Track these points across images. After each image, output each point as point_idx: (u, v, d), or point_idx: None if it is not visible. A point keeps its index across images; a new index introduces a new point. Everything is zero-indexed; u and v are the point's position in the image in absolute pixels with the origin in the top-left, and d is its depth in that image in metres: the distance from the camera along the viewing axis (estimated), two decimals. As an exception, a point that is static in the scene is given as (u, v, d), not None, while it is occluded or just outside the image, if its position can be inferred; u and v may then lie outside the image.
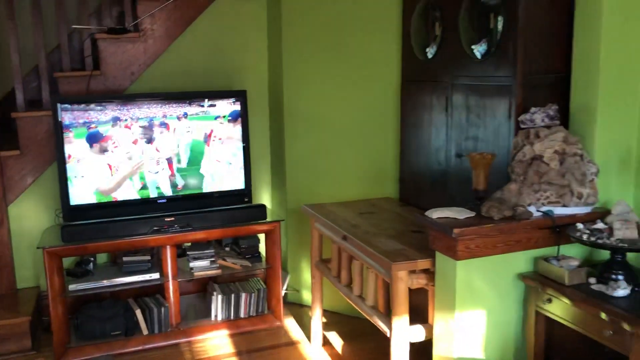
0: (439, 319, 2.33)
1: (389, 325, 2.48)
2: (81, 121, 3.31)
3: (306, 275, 3.95)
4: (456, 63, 2.82)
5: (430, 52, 3.04)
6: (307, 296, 3.97)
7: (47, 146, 3.56)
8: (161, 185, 3.52)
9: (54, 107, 3.27)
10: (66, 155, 3.30)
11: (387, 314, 2.62)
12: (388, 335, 2.49)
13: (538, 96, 2.44)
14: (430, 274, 2.42)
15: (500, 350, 2.31)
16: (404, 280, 2.39)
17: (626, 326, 1.80)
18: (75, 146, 3.31)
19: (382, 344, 3.44)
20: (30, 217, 3.67)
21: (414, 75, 3.20)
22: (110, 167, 3.40)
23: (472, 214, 2.27)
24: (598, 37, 2.27)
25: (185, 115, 3.50)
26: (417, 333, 2.47)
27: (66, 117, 3.28)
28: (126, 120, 3.40)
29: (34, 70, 3.93)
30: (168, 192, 3.53)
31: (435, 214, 2.28)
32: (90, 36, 3.64)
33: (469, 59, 2.72)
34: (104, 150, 3.37)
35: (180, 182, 3.56)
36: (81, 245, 3.21)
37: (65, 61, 3.59)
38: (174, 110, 3.49)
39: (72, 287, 3.26)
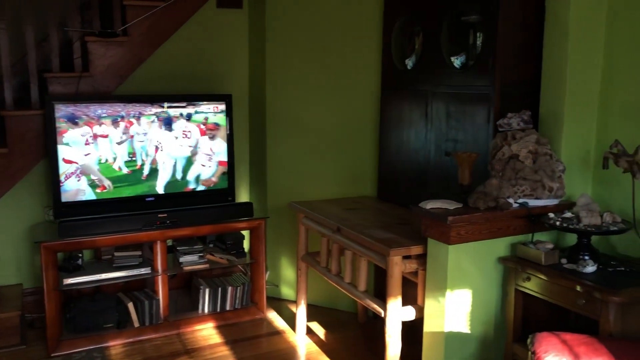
0: (431, 298, 2.63)
1: (382, 306, 2.76)
2: (74, 120, 3.42)
3: (284, 270, 4.17)
4: (435, 73, 3.15)
5: (410, 63, 3.36)
6: (285, 290, 4.19)
7: (35, 144, 3.61)
8: (151, 182, 3.66)
9: (50, 106, 3.36)
10: (59, 153, 3.40)
11: (379, 297, 2.90)
12: (382, 315, 2.76)
13: (512, 103, 2.79)
14: (420, 259, 2.72)
15: (483, 325, 2.64)
16: (399, 265, 2.67)
17: (597, 295, 2.15)
18: (67, 144, 3.42)
19: (361, 332, 3.72)
20: (15, 214, 3.72)
21: (393, 83, 3.51)
22: (104, 163, 3.53)
23: (460, 205, 2.58)
24: (565, 53, 2.65)
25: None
26: (409, 313, 2.76)
27: (60, 116, 3.39)
28: (119, 119, 3.54)
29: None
30: (158, 190, 3.68)
31: (428, 205, 2.58)
32: (79, 38, 3.73)
33: (448, 69, 3.06)
34: (97, 148, 3.50)
35: (168, 181, 3.71)
36: (77, 240, 3.31)
37: (55, 62, 3.66)
38: (164, 111, 3.65)
39: (67, 281, 3.34)
